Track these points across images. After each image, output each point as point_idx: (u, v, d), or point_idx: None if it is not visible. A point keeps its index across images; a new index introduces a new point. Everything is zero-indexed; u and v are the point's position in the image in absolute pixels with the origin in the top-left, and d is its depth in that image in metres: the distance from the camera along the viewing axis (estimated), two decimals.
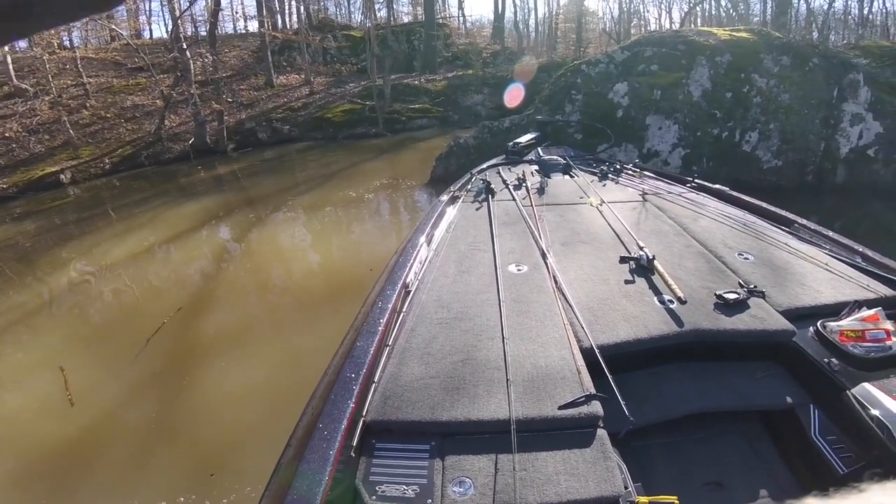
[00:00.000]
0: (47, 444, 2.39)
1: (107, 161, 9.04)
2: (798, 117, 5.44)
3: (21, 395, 2.80)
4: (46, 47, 10.50)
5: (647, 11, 24.93)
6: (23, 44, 13.55)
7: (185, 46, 9.50)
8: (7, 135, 9.29)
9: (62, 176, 8.33)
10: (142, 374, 2.91)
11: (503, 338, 1.41)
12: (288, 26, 18.34)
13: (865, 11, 16.77)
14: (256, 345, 3.16)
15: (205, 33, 12.66)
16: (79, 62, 11.10)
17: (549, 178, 3.28)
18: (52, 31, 12.55)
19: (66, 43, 13.53)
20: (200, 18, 12.98)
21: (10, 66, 11.19)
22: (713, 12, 19.86)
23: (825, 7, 16.27)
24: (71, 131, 9.43)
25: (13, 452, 2.36)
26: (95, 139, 9.75)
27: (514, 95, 10.54)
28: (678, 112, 5.42)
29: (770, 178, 5.48)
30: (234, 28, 19.53)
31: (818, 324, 1.49)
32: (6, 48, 11.85)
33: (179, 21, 9.92)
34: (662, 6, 25.02)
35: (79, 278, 4.49)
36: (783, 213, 2.45)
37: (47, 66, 10.28)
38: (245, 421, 2.46)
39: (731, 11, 17.39)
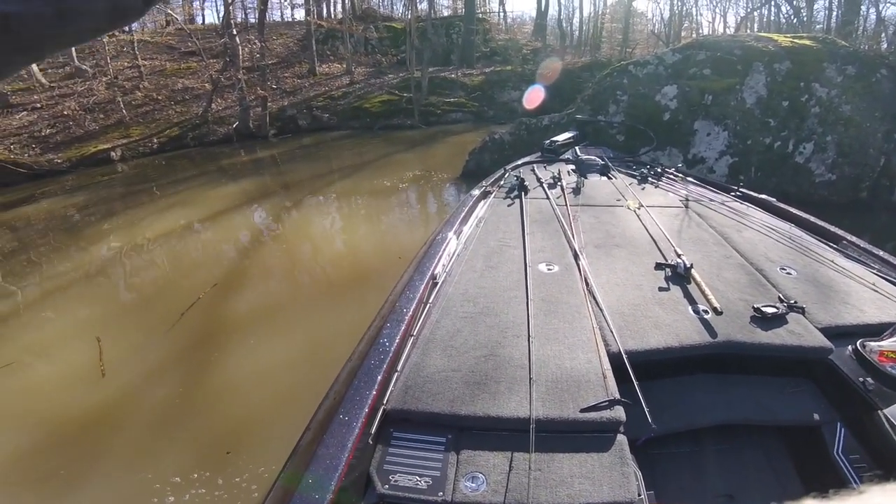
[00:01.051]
0: (73, 414, 2.47)
1: (155, 140, 9.45)
2: (858, 130, 5.09)
3: (56, 364, 2.91)
4: None
5: (700, 15, 23.83)
6: None
7: (234, 32, 9.79)
8: (66, 112, 9.84)
9: (113, 153, 8.76)
10: (173, 348, 3.00)
11: (529, 336, 1.39)
12: (332, 16, 18.63)
13: None
14: (285, 325, 3.22)
15: (254, 20, 13.00)
16: (135, 45, 11.62)
17: (586, 178, 3.19)
18: None
19: (126, 27, 14.17)
20: (251, 6, 13.34)
21: (73, 49, 11.84)
22: (772, 18, 18.87)
23: None
24: (124, 111, 9.92)
25: (41, 419, 2.45)
26: (146, 119, 10.21)
27: (533, 97, 10.35)
28: (729, 118, 5.17)
29: (821, 192, 5.16)
30: (282, 16, 19.99)
31: (858, 343, 1.42)
32: None
33: (231, 7, 10.22)
34: (717, 10, 23.95)
35: (121, 251, 4.71)
36: (831, 228, 2.33)
37: (107, 48, 10.82)
38: (267, 401, 2.50)
39: (793, 18, 16.47)
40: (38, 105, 10.02)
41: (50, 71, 11.71)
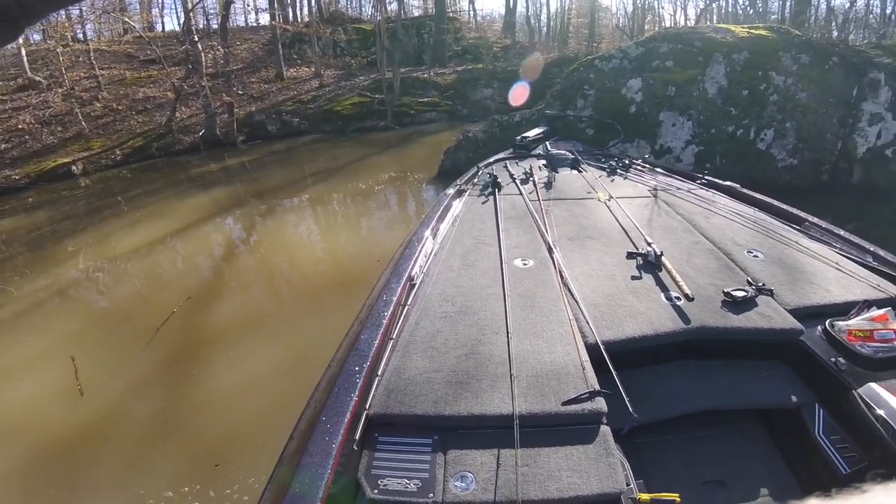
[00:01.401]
0: (56, 433, 2.40)
1: (118, 152, 9.12)
2: (815, 116, 5.32)
3: (32, 385, 2.82)
4: (60, 40, 10.57)
5: (662, 8, 24.48)
6: (37, 36, 13.70)
7: (196, 39, 9.53)
8: (20, 126, 9.40)
9: (74, 167, 8.41)
10: (151, 363, 2.92)
11: (507, 333, 1.40)
12: (299, 19, 18.33)
13: (889, 10, 16.37)
14: (266, 334, 3.17)
15: (216, 26, 12.68)
16: (92, 55, 11.16)
17: (557, 172, 3.25)
18: (67, 24, 12.66)
19: (80, 36, 13.63)
20: (212, 12, 12.99)
21: (25, 59, 11.31)
22: (729, 10, 19.52)
23: (846, 5, 15.92)
24: (83, 123, 9.52)
25: (22, 441, 2.38)
26: (107, 131, 9.83)
27: (519, 94, 10.44)
28: (692, 109, 5.33)
29: (785, 176, 5.37)
30: (246, 21, 19.58)
31: (826, 323, 1.47)
32: (20, 40, 11.99)
33: (191, 14, 9.94)
34: (677, 2, 24.63)
35: (90, 268, 4.53)
36: (794, 211, 2.42)
37: (61, 58, 10.38)
38: (251, 412, 2.47)
39: (749, 9, 17.06)
40: None
41: (1, 84, 11.16)
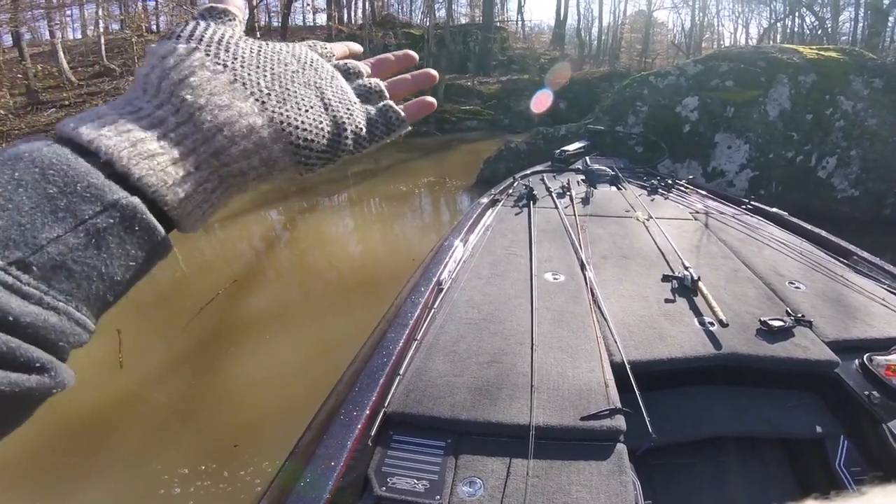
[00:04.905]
0: (91, 404, 2.51)
1: None
2: (884, 145, 4.97)
3: (76, 355, 2.98)
4: (136, 30, 11.35)
5: (722, 26, 23.62)
6: (115, 26, 14.78)
7: (259, 35, 9.99)
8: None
9: None
10: (190, 342, 3.05)
11: (532, 344, 1.38)
12: (353, 21, 18.92)
13: None
14: (300, 324, 3.25)
15: (278, 24, 13.27)
16: None
17: (595, 188, 3.19)
18: (143, 15, 13.57)
19: (154, 27, 14.59)
20: (275, 10, 13.61)
21: (103, 47, 12.21)
22: (796, 30, 18.60)
23: None
24: None
25: (59, 409, 2.48)
26: None
27: (541, 101, 10.31)
28: (751, 131, 5.10)
29: (843, 208, 5.05)
30: (304, 20, 20.37)
31: (864, 357, 1.40)
32: (101, 28, 12.95)
33: (255, 10, 10.44)
34: (739, 20, 23.70)
35: None
36: (842, 243, 2.31)
37: (135, 47, 11.13)
38: (277, 397, 2.53)
39: (817, 29, 16.21)
40: (67, 103, 10.34)
41: (80, 70, 12.08)
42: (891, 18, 14.09)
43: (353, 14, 20.01)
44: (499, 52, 16.11)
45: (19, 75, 10.36)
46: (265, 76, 0.28)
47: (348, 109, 0.31)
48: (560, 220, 2.48)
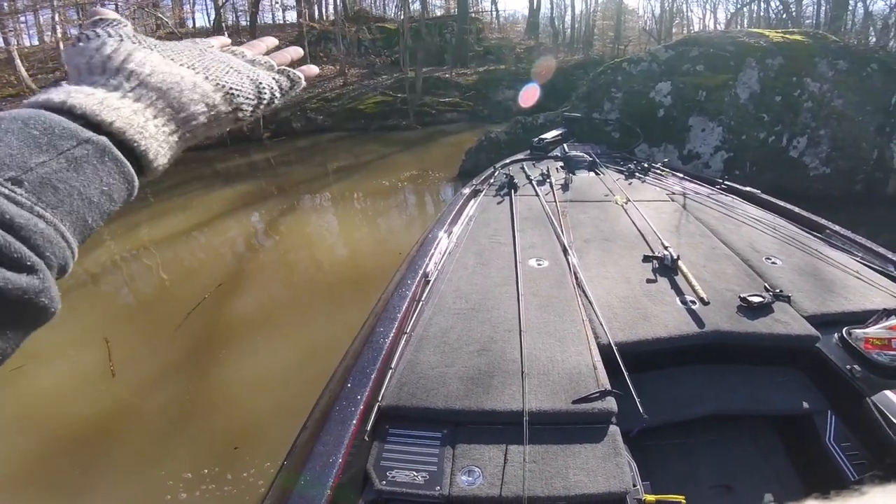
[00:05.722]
0: (87, 413, 2.48)
1: None
2: (851, 124, 5.16)
3: (66, 366, 2.91)
4: None
5: (691, 11, 23.99)
6: (73, 30, 14.19)
7: (227, 34, 9.74)
8: None
9: None
10: (180, 348, 3.01)
11: (520, 331, 1.41)
12: (325, 17, 18.57)
13: None
14: (290, 324, 3.23)
15: (246, 23, 12.95)
16: None
17: (574, 174, 3.24)
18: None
19: None
20: (242, 9, 13.27)
21: (62, 53, 11.72)
22: (762, 14, 19.03)
23: (886, 10, 15.35)
24: None
25: (55, 420, 2.46)
26: None
27: (529, 95, 10.37)
28: (723, 114, 5.23)
29: (817, 185, 5.23)
30: (273, 18, 19.89)
31: (843, 330, 1.46)
32: (59, 34, 12.43)
33: (222, 10, 10.17)
34: (707, 6, 24.11)
35: (121, 255, 4.67)
36: (815, 218, 2.39)
37: None
38: (273, 397, 2.52)
39: (782, 14, 16.62)
40: None
41: (40, 76, 11.59)
42: (850, 2, 14.54)
43: (324, 10, 19.63)
44: (475, 44, 16.04)
45: None
46: (185, 55, 0.34)
47: (255, 72, 0.38)
48: (541, 207, 2.51)
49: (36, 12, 13.77)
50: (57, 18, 12.69)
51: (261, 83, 0.37)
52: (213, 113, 0.33)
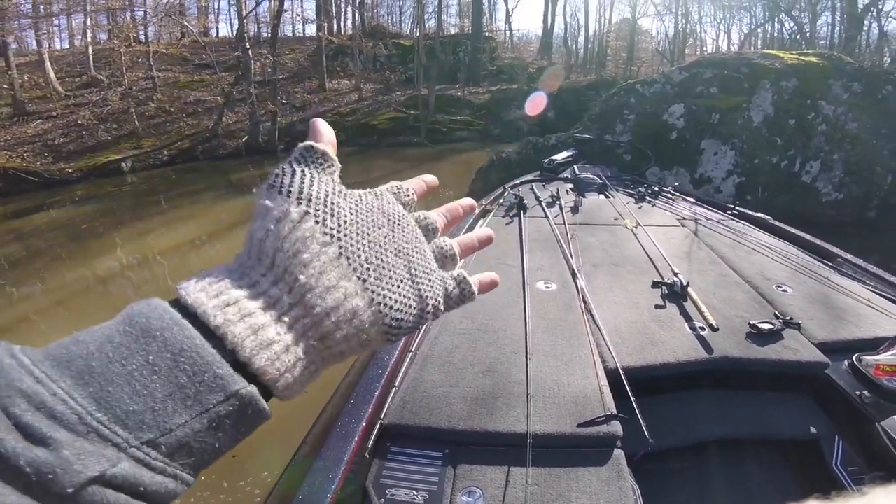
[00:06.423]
0: None
1: (165, 153, 9.61)
2: (865, 148, 5.10)
3: None
4: (125, 40, 11.27)
5: (704, 32, 24.14)
6: (103, 35, 14.70)
7: (248, 46, 10.00)
8: (80, 122, 10.05)
9: (123, 164, 8.91)
10: None
11: (527, 353, 1.40)
12: (343, 32, 19.02)
13: None
14: None
15: (267, 34, 13.30)
16: (151, 56, 11.87)
17: (584, 197, 3.24)
18: (132, 25, 13.50)
19: (142, 37, 14.54)
20: (264, 20, 13.62)
21: (91, 58, 12.13)
22: (776, 35, 19.06)
23: None
24: (137, 122, 10.10)
25: None
26: (158, 131, 10.40)
27: (536, 103, 10.45)
28: (736, 137, 5.19)
29: (829, 211, 5.15)
30: (293, 31, 20.44)
31: (854, 357, 1.43)
32: (89, 38, 12.87)
33: (245, 21, 10.46)
34: (721, 27, 24.24)
35: (130, 262, 4.75)
36: (826, 246, 2.38)
37: (123, 58, 11.06)
38: (274, 406, 2.47)
39: (796, 35, 16.62)
40: (54, 114, 10.24)
41: (67, 80, 11.97)
42: (865, 23, 14.51)
43: (342, 25, 20.15)
44: (488, 62, 16.27)
45: (5, 86, 10.24)
46: (364, 246, 0.29)
47: (430, 280, 0.33)
48: (550, 229, 2.51)
49: (69, 16, 14.30)
50: (88, 23, 13.15)
51: (426, 301, 0.32)
52: (360, 349, 0.29)
